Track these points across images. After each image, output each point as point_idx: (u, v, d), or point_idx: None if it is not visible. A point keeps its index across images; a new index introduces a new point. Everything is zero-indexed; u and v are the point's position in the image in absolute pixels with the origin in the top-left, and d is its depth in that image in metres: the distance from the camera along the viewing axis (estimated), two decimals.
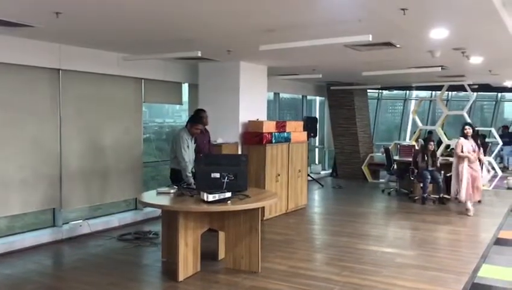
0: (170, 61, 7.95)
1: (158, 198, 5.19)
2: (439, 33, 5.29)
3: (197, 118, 6.40)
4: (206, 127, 6.90)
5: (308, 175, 10.28)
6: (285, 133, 8.25)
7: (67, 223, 6.72)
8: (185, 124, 6.34)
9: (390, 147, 11.38)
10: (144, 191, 6.92)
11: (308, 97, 13.32)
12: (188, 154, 6.05)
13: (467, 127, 8.37)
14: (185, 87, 8.70)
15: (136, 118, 7.63)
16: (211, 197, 4.68)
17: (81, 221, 6.86)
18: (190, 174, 5.96)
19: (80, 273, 5.14)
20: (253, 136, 7.79)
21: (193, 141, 6.24)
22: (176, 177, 6.07)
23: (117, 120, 7.29)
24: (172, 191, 5.34)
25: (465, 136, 8.30)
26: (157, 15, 4.57)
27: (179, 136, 6.06)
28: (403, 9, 4.17)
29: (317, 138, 12.83)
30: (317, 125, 12.04)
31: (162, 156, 8.48)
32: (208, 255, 5.43)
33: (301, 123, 9.16)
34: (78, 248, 6.17)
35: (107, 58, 6.87)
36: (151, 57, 7.10)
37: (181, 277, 4.78)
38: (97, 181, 7.00)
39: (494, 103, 17.36)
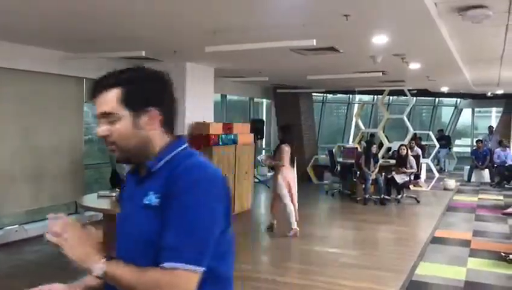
0: (114, 60, 7.69)
1: (99, 201, 5.05)
2: (380, 39, 5.48)
3: None
4: None
5: (255, 177, 10.33)
6: (232, 135, 8.25)
7: (1, 228, 6.38)
8: None
9: (334, 149, 11.64)
10: (85, 194, 6.69)
11: (255, 99, 13.39)
12: None
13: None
14: None
15: (77, 118, 7.37)
16: None
17: (16, 226, 6.54)
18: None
19: (13, 281, 4.89)
20: (199, 138, 7.73)
21: None
22: (117, 178, 5.97)
23: (56, 120, 7.01)
24: (114, 194, 5.20)
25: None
26: (100, 13, 4.44)
27: None
28: (345, 16, 4.29)
29: (263, 140, 12.91)
30: (264, 128, 12.12)
31: (104, 158, 8.25)
32: None
33: (248, 125, 9.19)
34: (13, 254, 5.87)
35: (47, 57, 6.58)
36: (93, 56, 6.87)
37: None
38: (34, 184, 6.68)
39: (432, 107, 18.21)
